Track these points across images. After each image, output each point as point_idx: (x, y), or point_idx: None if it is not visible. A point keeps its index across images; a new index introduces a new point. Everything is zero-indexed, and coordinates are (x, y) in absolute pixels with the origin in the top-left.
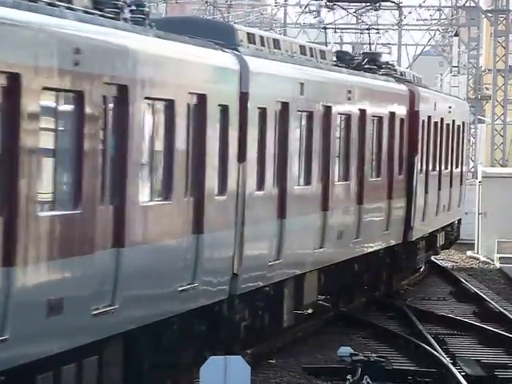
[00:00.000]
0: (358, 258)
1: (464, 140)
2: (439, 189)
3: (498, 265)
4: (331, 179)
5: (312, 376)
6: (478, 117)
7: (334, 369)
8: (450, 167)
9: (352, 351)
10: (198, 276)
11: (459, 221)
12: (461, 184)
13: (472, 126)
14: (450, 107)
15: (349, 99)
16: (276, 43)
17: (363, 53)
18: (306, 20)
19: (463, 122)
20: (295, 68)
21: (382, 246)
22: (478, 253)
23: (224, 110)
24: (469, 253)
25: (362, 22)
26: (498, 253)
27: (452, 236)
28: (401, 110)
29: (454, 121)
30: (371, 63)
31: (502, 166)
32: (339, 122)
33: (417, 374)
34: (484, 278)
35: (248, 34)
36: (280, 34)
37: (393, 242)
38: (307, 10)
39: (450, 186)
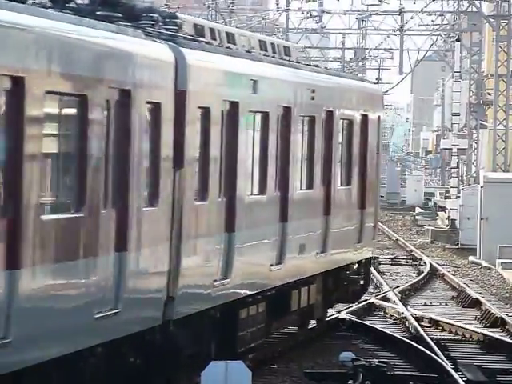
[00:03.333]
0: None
1: (375, 141)
2: (284, 220)
3: (499, 270)
4: None
5: (313, 381)
6: (480, 122)
7: (335, 374)
8: (326, 184)
9: (353, 356)
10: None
11: (367, 262)
12: (362, 208)
13: (474, 131)
14: (314, 91)
15: None
16: None
17: None
18: (307, 25)
19: (365, 116)
20: None
21: (94, 340)
22: (479, 258)
23: None
24: (471, 258)
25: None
26: (499, 258)
27: (357, 285)
28: (157, 91)
29: (330, 112)
30: (109, 8)
31: (503, 171)
32: None
33: (418, 380)
34: (486, 283)
35: None
36: (282, 38)
37: (138, 328)
38: (309, 15)
39: (327, 213)
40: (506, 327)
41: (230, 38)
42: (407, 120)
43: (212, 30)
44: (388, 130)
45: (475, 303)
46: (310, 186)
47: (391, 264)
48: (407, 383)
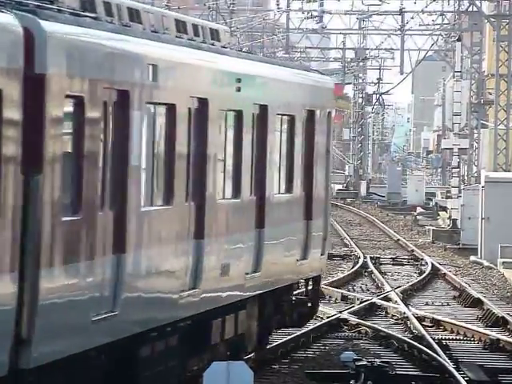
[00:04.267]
0: None
1: (324, 141)
2: (199, 237)
3: (501, 269)
4: None
5: (315, 381)
6: (481, 122)
7: (337, 374)
8: (258, 192)
9: (355, 356)
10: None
11: (316, 280)
12: (308, 219)
13: (475, 131)
14: (240, 81)
15: None
16: None
17: None
18: (308, 25)
19: (311, 112)
20: None
21: None
22: (481, 258)
23: None
24: (472, 258)
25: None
26: (501, 257)
27: (304, 307)
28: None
29: (264, 107)
30: None
31: (504, 170)
32: None
33: (420, 380)
34: (487, 282)
35: None
36: (283, 39)
37: None
38: (310, 15)
39: (261, 226)
40: (508, 327)
41: (134, 15)
42: (408, 120)
43: (107, 5)
44: (389, 130)
45: (477, 303)
46: (236, 194)
47: (392, 264)
48: (409, 383)
